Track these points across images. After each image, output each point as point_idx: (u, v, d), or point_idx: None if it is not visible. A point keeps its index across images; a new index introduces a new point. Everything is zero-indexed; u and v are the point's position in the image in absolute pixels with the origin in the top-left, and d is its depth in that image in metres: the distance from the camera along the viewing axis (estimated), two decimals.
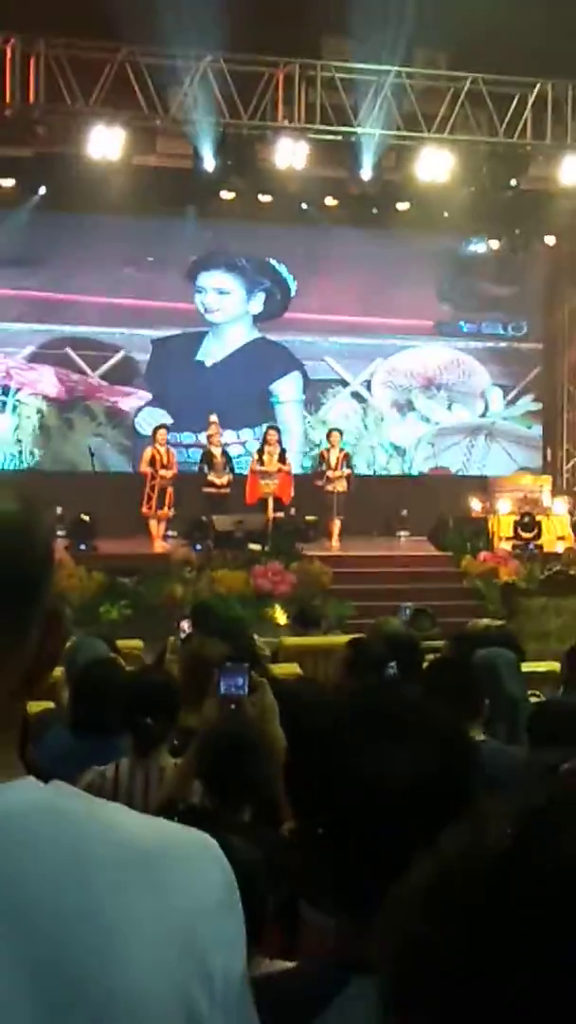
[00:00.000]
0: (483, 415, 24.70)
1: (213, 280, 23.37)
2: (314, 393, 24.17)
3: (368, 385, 24.42)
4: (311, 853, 1.91)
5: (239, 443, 22.15)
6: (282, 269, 23.62)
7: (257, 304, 23.74)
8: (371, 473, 23.38)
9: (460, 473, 24.17)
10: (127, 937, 1.30)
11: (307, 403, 24.08)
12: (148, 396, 23.05)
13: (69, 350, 22.68)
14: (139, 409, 23.03)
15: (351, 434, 23.24)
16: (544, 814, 0.84)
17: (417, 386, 24.50)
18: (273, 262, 23.52)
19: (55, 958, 1.27)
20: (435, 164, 19.30)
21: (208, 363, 23.47)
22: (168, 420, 21.33)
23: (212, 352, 23.55)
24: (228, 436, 21.80)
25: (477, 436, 24.65)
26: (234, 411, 22.41)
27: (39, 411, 22.51)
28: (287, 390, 24.05)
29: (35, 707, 7.19)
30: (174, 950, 1.33)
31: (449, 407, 24.58)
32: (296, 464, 21.84)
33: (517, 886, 0.80)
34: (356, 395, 24.40)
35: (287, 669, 9.67)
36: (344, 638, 10.40)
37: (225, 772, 4.43)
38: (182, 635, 10.48)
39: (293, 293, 23.75)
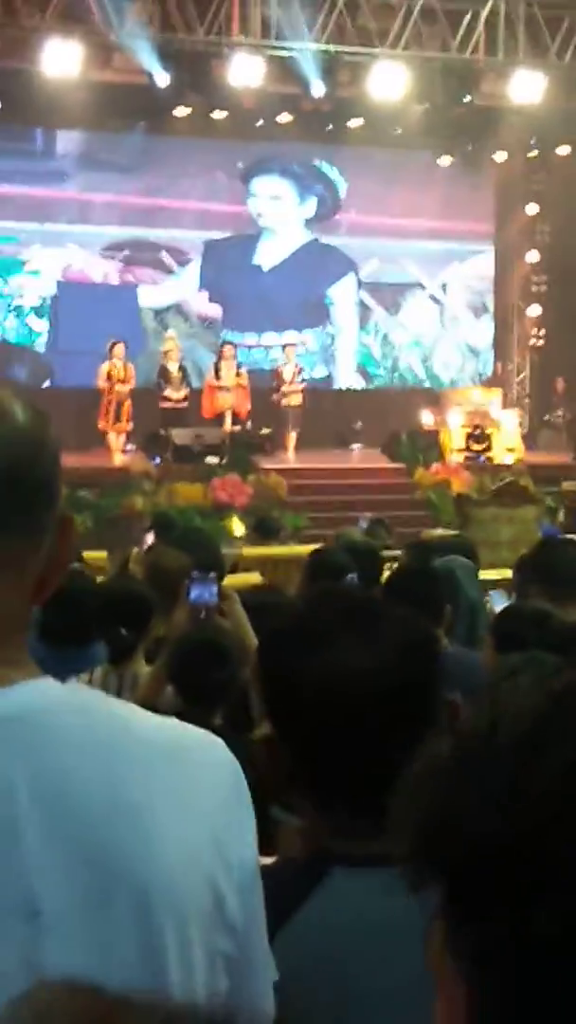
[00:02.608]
0: None
1: (266, 186, 23.68)
2: (393, 297, 24.49)
3: (444, 288, 24.82)
4: (282, 753, 1.92)
5: (298, 344, 22.29)
6: (331, 172, 23.82)
7: (310, 208, 24.03)
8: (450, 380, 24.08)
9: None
10: (161, 829, 1.36)
11: (386, 307, 24.45)
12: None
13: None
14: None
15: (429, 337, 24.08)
16: (562, 700, 0.82)
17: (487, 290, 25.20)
18: (321, 165, 23.70)
19: (99, 850, 1.32)
20: (388, 80, 19.35)
21: (265, 267, 23.80)
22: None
23: (267, 256, 23.87)
24: (289, 338, 22.36)
25: None
26: (289, 314, 22.95)
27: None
28: (341, 293, 24.30)
29: None
30: (200, 840, 1.39)
31: None
32: (350, 368, 22.54)
33: (546, 759, 0.78)
34: (433, 298, 24.74)
35: (248, 579, 9.83)
36: (303, 548, 10.66)
37: (196, 677, 4.49)
38: (146, 546, 10.67)
39: (343, 195, 23.96)
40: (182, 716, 3.99)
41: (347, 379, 24.50)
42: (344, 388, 24.17)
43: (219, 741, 1.49)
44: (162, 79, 18.87)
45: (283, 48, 18.84)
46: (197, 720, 4.10)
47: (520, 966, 0.75)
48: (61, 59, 18.07)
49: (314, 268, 24.04)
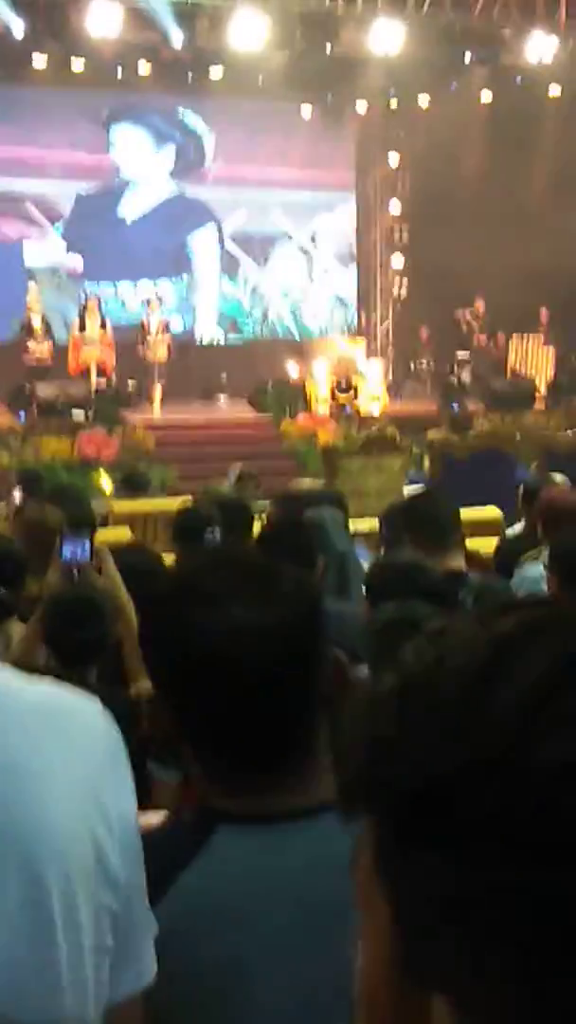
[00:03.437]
0: None
1: (126, 135, 23.54)
2: (263, 248, 24.46)
3: (313, 239, 24.85)
4: (165, 712, 1.92)
5: (154, 297, 21.97)
6: (195, 122, 23.74)
7: (169, 158, 23.83)
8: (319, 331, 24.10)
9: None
10: (46, 785, 1.39)
11: (255, 259, 24.48)
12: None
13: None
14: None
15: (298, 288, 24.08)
16: (512, 637, 0.82)
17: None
18: (184, 115, 23.57)
19: None
20: (249, 29, 19.26)
21: (128, 219, 23.72)
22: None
23: (130, 207, 23.76)
24: (145, 289, 22.36)
25: None
26: (147, 264, 22.90)
27: None
28: (201, 244, 24.23)
29: None
30: (82, 795, 1.43)
31: None
32: (211, 319, 22.76)
33: (499, 690, 0.79)
34: (301, 249, 24.75)
35: (118, 533, 9.82)
36: (171, 502, 10.67)
37: (70, 636, 4.46)
38: (15, 503, 10.60)
39: (208, 146, 23.91)
40: (58, 675, 3.96)
41: (208, 330, 24.42)
42: (206, 340, 24.06)
43: (96, 703, 1.52)
44: (18, 28, 18.59)
45: None
46: (73, 679, 4.07)
47: (458, 887, 0.78)
48: None
49: (176, 219, 23.94)
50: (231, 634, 1.83)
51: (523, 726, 0.78)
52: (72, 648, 4.47)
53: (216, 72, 20.95)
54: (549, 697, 0.78)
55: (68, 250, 23.25)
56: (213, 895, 1.80)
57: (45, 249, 23.20)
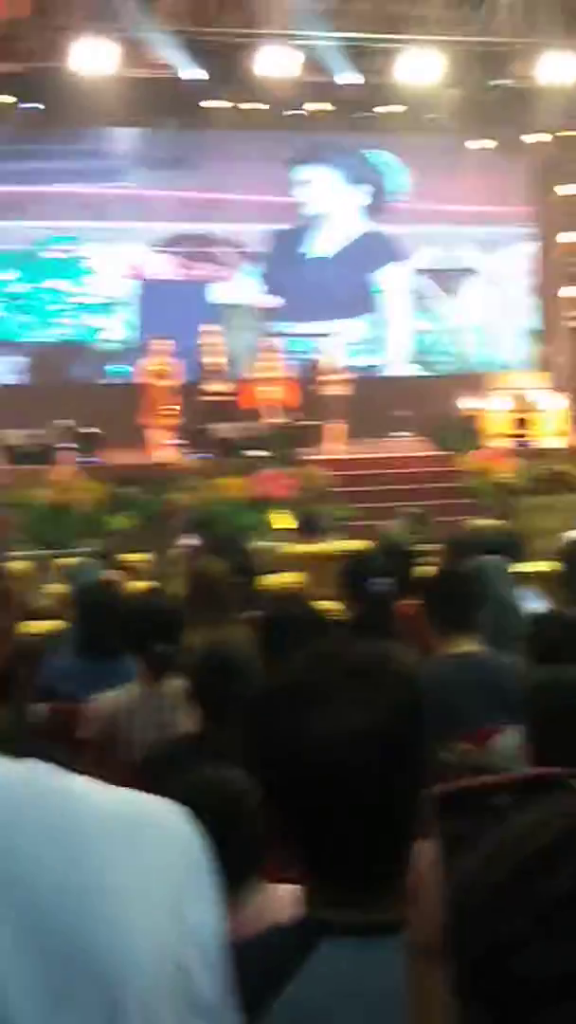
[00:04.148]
0: None
1: (310, 176, 23.78)
2: (446, 283, 24.54)
3: (494, 273, 24.82)
4: (273, 813, 1.92)
5: (335, 333, 22.30)
6: (377, 159, 23.83)
7: (361, 196, 23.99)
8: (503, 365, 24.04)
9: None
10: (123, 905, 1.31)
11: (440, 294, 24.52)
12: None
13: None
14: None
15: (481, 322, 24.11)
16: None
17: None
18: (366, 153, 23.72)
19: (58, 934, 1.27)
20: (421, 65, 19.34)
21: (316, 257, 23.95)
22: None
23: (317, 246, 23.98)
24: (329, 326, 22.58)
25: None
26: (337, 303, 23.04)
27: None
28: (391, 281, 24.29)
29: (43, 626, 7.30)
30: (163, 912, 1.35)
31: None
32: (402, 356, 22.78)
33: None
34: (483, 282, 24.81)
35: (289, 579, 9.84)
36: (346, 544, 10.71)
37: (216, 694, 4.49)
38: (185, 548, 10.71)
39: (389, 183, 23.96)
40: (202, 738, 3.83)
41: (399, 367, 24.35)
42: (394, 375, 24.04)
43: (178, 809, 1.43)
44: (194, 73, 18.94)
45: (311, 38, 18.83)
46: (217, 739, 3.95)
47: None
48: (94, 57, 18.21)
49: (362, 256, 23.98)
50: (340, 738, 1.80)
51: None
52: (217, 707, 4.48)
53: (391, 109, 21.00)
54: None
55: (256, 289, 23.48)
56: (319, 1011, 1.77)
57: (232, 289, 23.46)
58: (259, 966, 1.57)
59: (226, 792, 3.06)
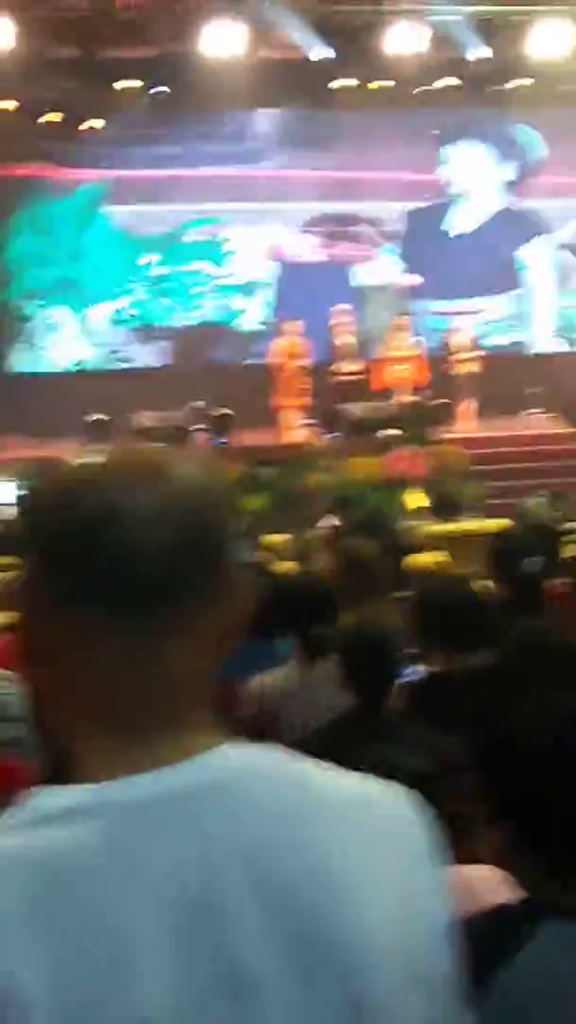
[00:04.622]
0: None
1: (459, 153, 23.52)
2: None
3: None
4: (488, 798, 1.91)
5: (472, 310, 22.15)
6: (521, 134, 23.48)
7: (506, 172, 23.78)
8: None
9: None
10: (360, 893, 1.32)
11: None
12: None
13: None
14: None
15: None
16: None
17: None
18: (512, 128, 23.39)
19: (305, 923, 1.29)
20: (552, 37, 19.13)
21: (458, 234, 23.70)
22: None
23: (460, 222, 23.75)
24: (471, 303, 22.37)
25: None
26: (480, 280, 22.86)
27: None
28: (534, 256, 24.00)
29: None
30: (396, 901, 1.35)
31: None
32: (547, 332, 22.76)
33: None
34: None
35: (434, 558, 9.75)
36: (486, 523, 10.61)
37: (370, 674, 4.51)
38: (326, 529, 10.69)
39: (533, 158, 23.62)
40: (360, 718, 3.72)
41: (545, 343, 24.04)
42: (539, 352, 23.73)
43: (406, 793, 1.44)
44: (322, 53, 18.91)
45: (441, 13, 18.72)
46: (370, 717, 3.87)
47: None
48: (223, 40, 18.26)
49: (505, 232, 23.70)
50: (552, 721, 1.82)
51: None
52: (371, 685, 4.50)
53: (520, 82, 20.76)
54: None
55: (398, 268, 23.35)
56: (538, 992, 1.76)
57: (374, 269, 23.35)
58: (479, 945, 1.53)
59: (411, 775, 3.03)
